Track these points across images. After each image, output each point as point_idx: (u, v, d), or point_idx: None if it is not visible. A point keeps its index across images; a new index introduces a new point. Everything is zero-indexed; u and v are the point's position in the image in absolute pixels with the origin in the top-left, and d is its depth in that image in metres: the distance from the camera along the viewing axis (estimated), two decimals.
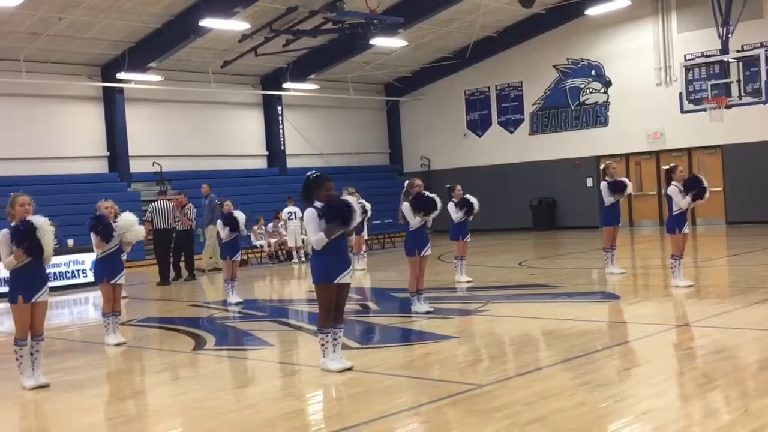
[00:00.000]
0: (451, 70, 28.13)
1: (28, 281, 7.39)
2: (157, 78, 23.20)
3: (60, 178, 21.62)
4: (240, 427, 5.96)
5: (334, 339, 7.43)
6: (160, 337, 10.64)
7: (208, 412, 6.52)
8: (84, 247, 17.43)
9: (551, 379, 6.88)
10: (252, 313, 12.12)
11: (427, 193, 10.44)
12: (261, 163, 27.02)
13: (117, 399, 7.40)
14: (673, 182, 11.35)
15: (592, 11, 23.70)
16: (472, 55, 26.51)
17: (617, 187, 13.20)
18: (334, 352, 7.42)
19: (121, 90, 23.08)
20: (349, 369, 7.32)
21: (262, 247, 21.31)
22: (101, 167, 23.35)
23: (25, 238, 7.21)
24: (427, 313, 10.36)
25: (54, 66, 21.88)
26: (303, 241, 21.24)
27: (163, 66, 22.86)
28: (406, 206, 10.33)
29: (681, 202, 11.23)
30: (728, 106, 20.56)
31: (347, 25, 21.33)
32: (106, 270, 9.63)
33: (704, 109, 21.26)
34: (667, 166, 11.83)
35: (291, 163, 27.06)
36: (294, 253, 21.02)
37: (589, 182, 25.74)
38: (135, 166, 23.47)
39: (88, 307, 14.86)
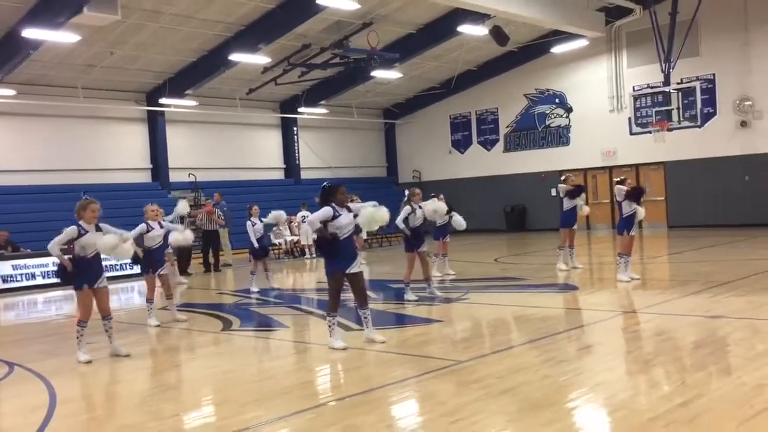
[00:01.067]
0: (438, 97, 28.14)
1: (90, 271, 7.48)
2: (193, 103, 23.18)
3: (110, 186, 21.57)
4: (261, 395, 5.96)
5: (365, 318, 7.57)
6: (196, 320, 10.63)
7: (234, 382, 6.52)
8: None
9: (520, 356, 6.88)
10: (271, 300, 12.11)
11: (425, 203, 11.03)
12: (279, 175, 26.98)
13: (158, 371, 7.40)
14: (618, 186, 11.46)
15: (556, 49, 23.74)
16: (456, 85, 26.51)
17: (575, 193, 13.23)
18: (367, 327, 7.57)
19: (162, 113, 23.06)
20: (382, 342, 7.46)
21: (280, 244, 21.29)
22: (145, 177, 23.32)
23: (65, 275, 7.51)
24: (416, 301, 10.39)
25: (106, 93, 21.84)
26: (314, 240, 21.23)
27: (198, 93, 22.84)
28: (406, 211, 10.64)
29: (621, 197, 11.24)
30: (669, 129, 20.60)
31: (352, 60, 21.33)
32: (150, 263, 9.74)
33: (649, 132, 21.31)
34: (618, 179, 11.83)
35: (304, 174, 27.05)
36: (306, 250, 20.99)
37: (553, 192, 25.71)
38: (174, 177, 23.44)
39: (133, 294, 14.83)
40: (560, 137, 25.85)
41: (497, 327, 8.58)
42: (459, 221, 12.81)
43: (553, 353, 6.85)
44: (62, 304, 14.10)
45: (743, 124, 21.70)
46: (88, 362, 7.38)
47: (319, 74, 23.79)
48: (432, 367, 6.46)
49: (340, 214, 7.37)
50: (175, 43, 19.76)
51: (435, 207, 11.15)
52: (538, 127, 26.35)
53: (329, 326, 7.47)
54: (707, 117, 22.21)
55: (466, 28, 20.19)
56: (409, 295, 10.51)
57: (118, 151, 22.56)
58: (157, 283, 9.90)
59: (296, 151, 26.94)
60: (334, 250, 7.28)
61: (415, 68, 24.73)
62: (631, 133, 23.67)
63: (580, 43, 22.89)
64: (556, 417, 4.91)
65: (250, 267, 13.43)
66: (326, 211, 7.31)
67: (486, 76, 26.81)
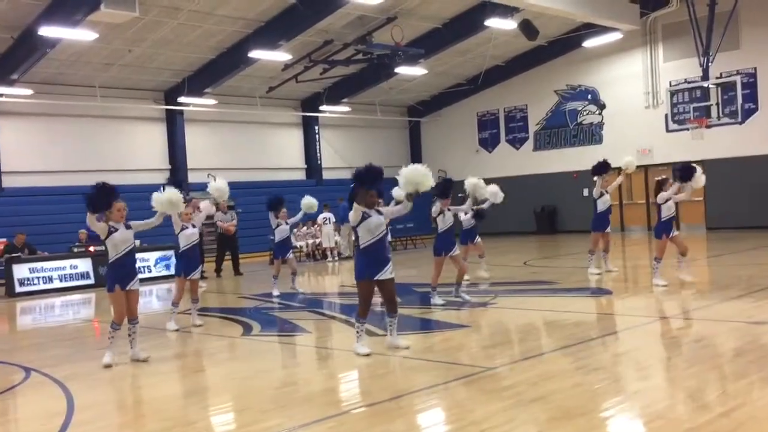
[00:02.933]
0: (465, 94, 28.05)
1: (123, 272, 7.60)
2: (212, 101, 23.36)
3: (128, 188, 21.50)
4: (282, 402, 5.98)
5: (390, 325, 7.50)
6: (215, 324, 10.70)
7: (255, 388, 6.55)
8: (147, 247, 17.66)
9: (552, 363, 6.84)
10: (292, 304, 12.16)
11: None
12: (300, 175, 27.07)
13: (178, 377, 7.46)
14: (663, 191, 11.07)
15: (588, 43, 23.55)
16: (483, 81, 26.41)
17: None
18: (390, 335, 7.53)
19: (181, 112, 23.27)
20: (406, 347, 7.45)
21: (301, 247, 21.38)
22: (164, 178, 23.52)
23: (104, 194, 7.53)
24: (443, 305, 10.34)
25: (124, 91, 22.09)
26: (336, 243, 21.31)
27: (217, 91, 23.01)
28: (436, 208, 10.51)
29: (667, 194, 10.92)
30: (708, 126, 20.36)
31: (375, 56, 21.36)
32: (185, 267, 9.81)
33: (687, 129, 21.08)
34: (659, 178, 11.48)
35: (326, 175, 27.12)
36: (328, 252, 21.06)
37: (585, 192, 25.54)
38: (193, 177, 23.61)
39: (151, 298, 14.98)
40: (593, 135, 25.65)
41: (527, 332, 8.53)
42: (495, 191, 12.46)
43: (587, 360, 6.80)
44: (79, 307, 14.30)
45: None
46: (108, 366, 7.46)
47: (342, 71, 23.85)
48: (460, 374, 6.44)
49: (369, 216, 7.28)
50: (194, 40, 19.93)
51: (493, 190, 11.67)
52: (570, 125, 26.17)
53: (357, 332, 7.45)
54: (748, 113, 21.90)
55: (493, 22, 20.12)
56: (436, 300, 10.48)
57: (137, 152, 22.80)
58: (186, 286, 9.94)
59: (318, 150, 27.02)
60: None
61: (441, 64, 24.69)
62: (668, 131, 23.42)
63: (613, 37, 22.70)
64: (589, 426, 4.87)
65: (273, 271, 13.47)
66: (358, 210, 7.24)
67: (514, 72, 26.69)
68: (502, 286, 12.66)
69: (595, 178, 13.11)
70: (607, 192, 13.28)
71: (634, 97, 24.29)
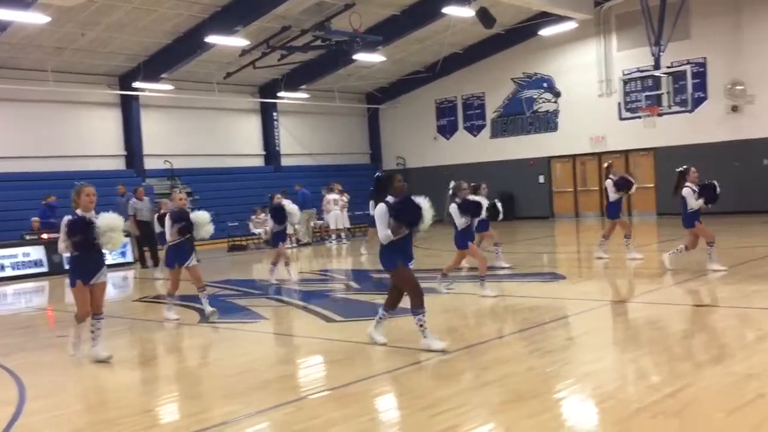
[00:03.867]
0: (423, 81, 28.07)
1: (87, 266, 6.99)
2: (169, 87, 22.97)
3: (83, 174, 21.23)
4: (239, 389, 5.93)
5: (380, 318, 7.01)
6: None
7: (212, 375, 6.50)
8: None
9: (506, 347, 6.91)
10: (250, 291, 12.07)
11: (472, 197, 10.01)
12: (258, 162, 26.84)
13: (132, 366, 7.33)
14: (687, 184, 10.62)
15: (544, 32, 23.74)
16: (441, 69, 26.45)
17: (622, 186, 12.58)
18: (374, 327, 7.02)
19: (136, 97, 22.84)
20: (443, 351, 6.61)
21: (259, 234, 21.20)
22: (119, 164, 23.13)
23: (78, 231, 6.84)
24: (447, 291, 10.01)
25: (78, 76, 21.58)
26: (294, 230, 21.18)
27: (174, 76, 22.63)
28: (453, 208, 9.68)
29: (693, 203, 10.53)
30: (660, 114, 20.73)
31: (334, 43, 21.22)
32: (177, 257, 9.22)
33: (639, 117, 21.43)
34: (681, 169, 10.87)
35: (285, 161, 26.94)
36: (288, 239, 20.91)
37: (541, 179, 25.85)
38: (149, 164, 23.25)
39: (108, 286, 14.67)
40: (548, 123, 25.91)
41: (483, 317, 8.60)
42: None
43: (540, 344, 6.88)
44: (32, 296, 14.00)
45: (734, 108, 21.84)
46: (106, 359, 6.99)
47: (300, 57, 23.63)
48: (416, 359, 6.46)
49: None
50: (149, 24, 19.54)
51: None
52: (526, 113, 26.39)
53: (420, 325, 6.70)
54: (698, 102, 22.35)
55: (451, 10, 20.12)
56: (486, 291, 9.69)
57: (91, 137, 22.32)
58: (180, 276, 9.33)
59: (276, 137, 26.81)
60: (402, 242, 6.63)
61: (399, 51, 24.64)
62: (621, 119, 23.78)
63: (568, 26, 22.92)
64: (541, 408, 4.94)
65: (272, 258, 12.96)
66: (382, 212, 6.59)
67: (472, 60, 26.79)
68: (458, 272, 12.72)
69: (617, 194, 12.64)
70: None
71: (589, 86, 24.58)
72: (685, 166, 10.89)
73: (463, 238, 9.86)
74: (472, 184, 11.41)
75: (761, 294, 8.70)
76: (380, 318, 7.09)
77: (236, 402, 5.52)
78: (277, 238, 12.73)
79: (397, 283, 6.86)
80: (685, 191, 10.61)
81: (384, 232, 6.57)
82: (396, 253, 6.66)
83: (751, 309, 7.97)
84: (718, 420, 4.50)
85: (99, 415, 5.51)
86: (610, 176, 12.69)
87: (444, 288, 10.29)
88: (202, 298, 9.33)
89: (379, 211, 6.63)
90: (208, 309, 9.19)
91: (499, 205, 12.22)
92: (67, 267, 16.00)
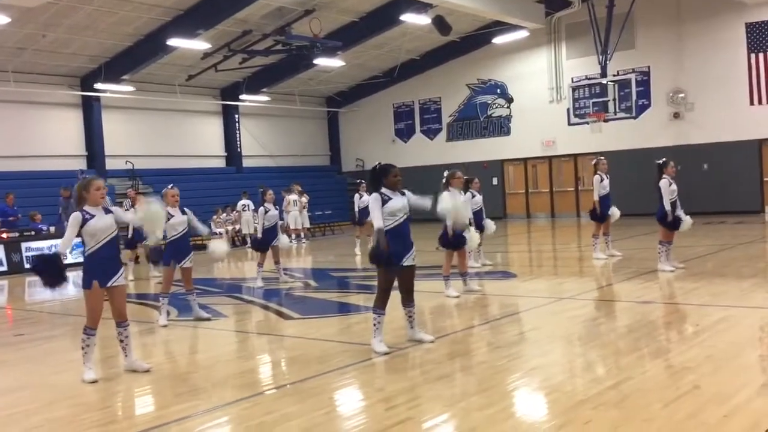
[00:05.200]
0: (381, 86, 28.11)
1: (104, 266, 6.09)
2: (130, 88, 22.58)
3: (43, 174, 20.86)
4: (198, 385, 5.86)
5: (410, 317, 6.80)
6: (131, 310, 10.38)
7: (170, 372, 6.41)
8: (63, 233, 16.99)
9: (458, 342, 6.96)
10: (210, 290, 11.93)
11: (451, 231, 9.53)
12: (220, 163, 26.57)
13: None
14: (664, 176, 10.43)
15: (497, 40, 24.00)
16: (399, 74, 26.53)
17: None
18: (411, 328, 6.83)
19: (98, 98, 22.40)
20: (431, 341, 6.64)
21: (220, 233, 20.98)
22: (81, 164, 22.60)
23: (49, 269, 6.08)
24: (457, 297, 9.34)
25: (39, 77, 21.09)
26: (255, 229, 21.03)
27: (135, 78, 22.26)
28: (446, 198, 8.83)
29: (665, 198, 10.30)
30: (606, 120, 21.11)
31: (294, 47, 21.13)
32: (174, 254, 8.65)
33: (587, 122, 21.79)
34: (660, 161, 10.63)
35: (246, 162, 26.71)
36: (247, 239, 20.77)
37: (495, 181, 26.09)
38: (110, 164, 22.81)
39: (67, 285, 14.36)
40: (501, 127, 26.17)
41: (436, 314, 8.64)
42: (489, 225, 11.75)
43: (490, 339, 6.95)
44: None
45: (676, 115, 22.37)
46: (93, 381, 6.05)
47: (261, 61, 23.48)
48: (371, 354, 6.46)
49: (390, 198, 6.53)
50: (110, 26, 19.19)
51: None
52: (480, 117, 26.61)
53: (374, 324, 6.53)
54: (642, 108, 22.82)
55: (408, 17, 20.22)
56: (450, 291, 9.47)
57: (52, 138, 21.82)
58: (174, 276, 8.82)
59: (238, 138, 26.57)
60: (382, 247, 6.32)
61: (358, 57, 24.64)
62: (570, 124, 24.16)
63: (520, 35, 23.19)
64: (491, 401, 4.99)
65: (258, 258, 12.20)
66: (376, 200, 6.45)
67: (429, 66, 26.91)
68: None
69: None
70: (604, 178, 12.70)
71: (540, 92, 24.90)
72: (664, 159, 10.71)
73: (446, 237, 9.59)
74: (466, 177, 10.99)
75: (699, 291, 8.92)
76: (409, 318, 6.82)
77: (194, 398, 5.45)
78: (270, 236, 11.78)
79: (378, 278, 6.64)
80: (662, 182, 10.42)
81: (377, 222, 6.39)
82: (390, 254, 6.41)
83: (690, 305, 8.17)
84: (656, 410, 4.60)
85: (56, 412, 5.39)
86: (598, 173, 12.57)
87: (476, 285, 9.96)
88: (191, 301, 8.93)
89: (373, 199, 6.48)
90: (203, 314, 8.87)
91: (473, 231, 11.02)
92: (27, 266, 15.62)
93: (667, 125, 22.52)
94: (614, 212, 12.60)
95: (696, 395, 4.86)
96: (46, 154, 21.48)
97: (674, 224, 10.49)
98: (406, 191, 6.79)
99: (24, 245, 16.42)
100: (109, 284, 6.12)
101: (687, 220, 10.57)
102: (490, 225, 11.78)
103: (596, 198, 12.51)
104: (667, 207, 10.38)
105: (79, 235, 6.15)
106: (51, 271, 6.10)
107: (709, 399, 4.76)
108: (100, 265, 6.08)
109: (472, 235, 9.88)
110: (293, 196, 21.40)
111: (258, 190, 21.01)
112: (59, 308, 10.93)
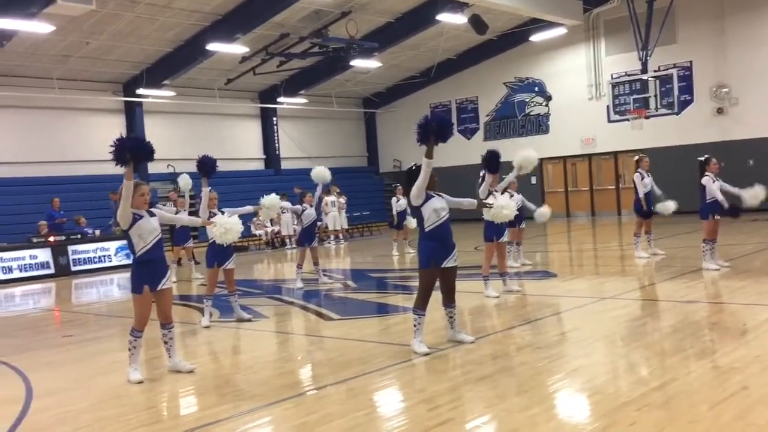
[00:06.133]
0: (418, 86, 28.10)
1: (153, 269, 6.24)
2: (171, 93, 22.97)
3: (88, 178, 21.33)
4: (240, 386, 5.94)
5: (450, 318, 6.84)
6: (174, 311, 10.55)
7: (213, 373, 6.50)
8: (108, 236, 17.38)
9: (499, 343, 6.92)
10: (251, 291, 12.06)
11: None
12: (259, 165, 26.85)
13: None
14: (706, 173, 10.31)
15: (535, 37, 23.78)
16: (435, 74, 26.49)
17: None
18: (452, 329, 6.87)
19: (140, 104, 22.84)
20: (472, 342, 6.68)
21: (260, 235, 21.21)
22: (123, 168, 23.06)
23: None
24: (497, 297, 9.27)
25: (83, 83, 21.60)
26: (294, 231, 21.19)
27: (176, 83, 22.64)
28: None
29: (714, 191, 10.19)
30: (647, 117, 20.78)
31: (331, 49, 21.23)
32: (217, 256, 8.75)
33: (627, 119, 21.48)
34: (702, 158, 10.52)
35: (284, 165, 26.95)
36: (287, 240, 20.95)
37: (533, 180, 25.86)
38: (152, 168, 23.11)
39: (112, 287, 14.71)
40: (540, 125, 25.95)
41: (476, 314, 8.60)
42: (543, 213, 11.87)
43: (531, 339, 6.90)
44: (40, 297, 13.99)
45: (719, 111, 21.90)
46: (140, 382, 6.21)
47: (298, 64, 23.67)
48: (411, 355, 6.46)
49: (432, 197, 6.72)
50: (151, 32, 19.54)
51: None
52: (518, 116, 26.42)
53: (414, 325, 6.57)
54: (684, 104, 22.40)
55: (445, 17, 20.17)
56: (490, 291, 9.43)
57: (96, 143, 22.20)
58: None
59: (276, 141, 26.82)
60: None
61: (395, 57, 24.67)
62: (610, 121, 23.84)
63: (558, 32, 22.96)
64: (532, 402, 4.95)
65: (297, 260, 12.34)
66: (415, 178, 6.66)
67: (465, 65, 26.82)
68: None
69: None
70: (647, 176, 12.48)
71: (578, 89, 24.62)
72: (706, 155, 10.54)
73: (489, 231, 9.70)
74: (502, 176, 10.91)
75: (746, 290, 8.73)
76: (450, 318, 6.87)
77: (237, 398, 5.53)
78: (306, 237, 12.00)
79: (419, 278, 6.68)
80: (705, 180, 10.30)
81: (418, 187, 6.64)
82: (433, 252, 6.53)
83: (736, 305, 7.99)
84: (702, 412, 4.51)
85: (104, 411, 5.51)
86: (639, 170, 12.37)
87: (516, 285, 9.92)
88: (233, 302, 9.03)
89: (419, 189, 6.68)
90: (244, 315, 8.95)
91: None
92: (74, 269, 16.01)
93: (711, 121, 22.06)
94: (668, 206, 12.26)
95: (744, 396, 4.75)
96: (91, 159, 21.95)
97: (733, 211, 10.29)
98: (443, 194, 6.94)
99: (70, 248, 16.83)
100: (158, 287, 6.27)
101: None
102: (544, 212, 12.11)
103: (641, 195, 12.25)
104: (720, 197, 10.23)
105: (126, 237, 6.34)
106: (141, 150, 6.68)
107: (758, 400, 4.66)
108: (150, 269, 6.23)
109: (544, 211, 11.28)
110: (331, 198, 21.51)
111: (295, 192, 21.29)
112: (105, 310, 11.17)
